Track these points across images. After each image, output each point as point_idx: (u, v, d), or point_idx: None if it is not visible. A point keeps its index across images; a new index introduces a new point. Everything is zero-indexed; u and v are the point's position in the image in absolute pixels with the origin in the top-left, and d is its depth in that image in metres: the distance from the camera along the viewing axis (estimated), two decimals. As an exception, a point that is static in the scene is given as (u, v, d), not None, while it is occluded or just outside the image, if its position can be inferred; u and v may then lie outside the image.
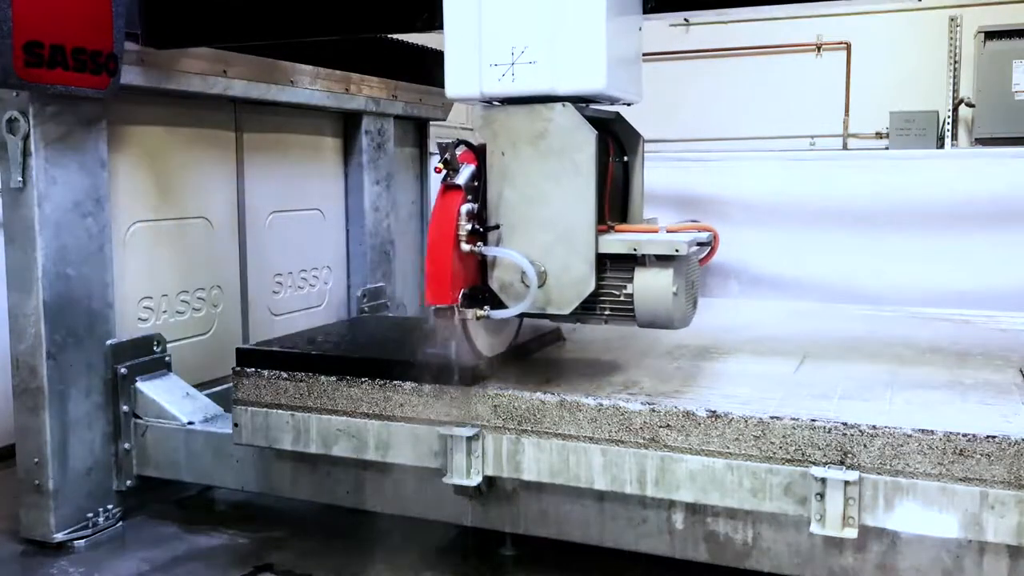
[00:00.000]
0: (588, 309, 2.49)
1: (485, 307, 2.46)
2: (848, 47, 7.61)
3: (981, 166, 4.93)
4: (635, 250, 2.42)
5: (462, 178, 2.44)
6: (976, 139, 6.92)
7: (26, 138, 2.83)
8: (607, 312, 2.49)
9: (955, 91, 7.18)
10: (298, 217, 4.21)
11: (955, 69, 7.18)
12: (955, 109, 7.16)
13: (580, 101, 2.44)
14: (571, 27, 2.34)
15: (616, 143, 2.67)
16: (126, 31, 3.01)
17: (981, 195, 4.72)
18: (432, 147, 5.18)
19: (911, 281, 4.69)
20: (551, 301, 2.46)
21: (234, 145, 3.84)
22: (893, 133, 7.20)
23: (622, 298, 2.46)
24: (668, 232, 2.47)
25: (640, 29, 2.59)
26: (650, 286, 2.42)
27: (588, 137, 2.40)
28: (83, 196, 3.01)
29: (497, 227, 2.48)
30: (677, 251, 2.39)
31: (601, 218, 2.46)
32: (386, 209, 4.63)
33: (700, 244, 2.52)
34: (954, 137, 7.17)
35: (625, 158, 2.71)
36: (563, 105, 2.40)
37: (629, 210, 2.73)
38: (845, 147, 7.65)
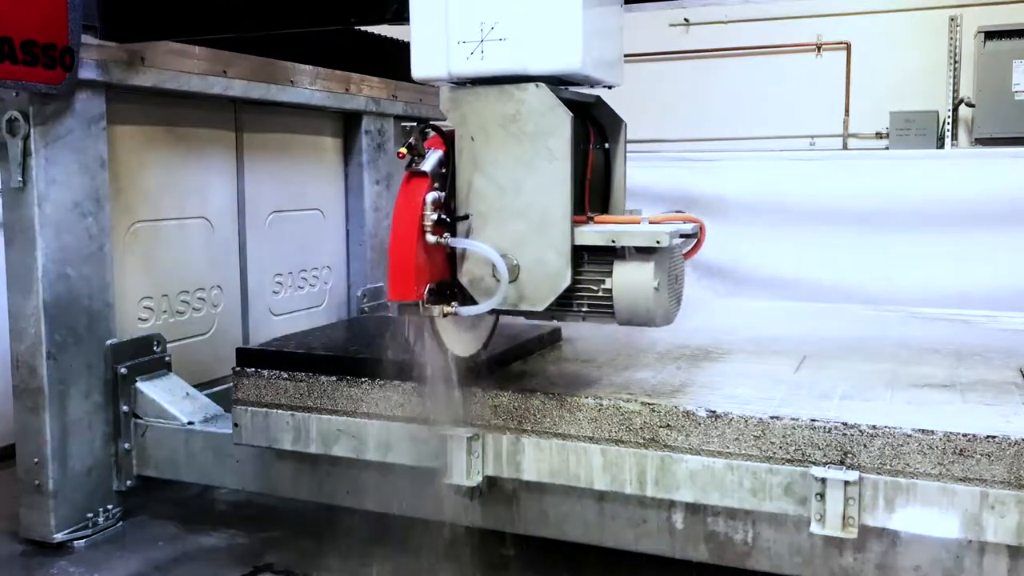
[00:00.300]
0: (564, 305, 2.32)
1: (453, 303, 2.29)
2: (848, 47, 7.60)
3: (981, 166, 4.93)
4: (614, 242, 2.25)
5: (428, 164, 2.26)
6: (976, 139, 6.91)
7: (26, 138, 2.83)
8: (584, 308, 2.32)
9: (955, 91, 7.18)
10: (298, 217, 4.21)
11: (955, 69, 7.18)
12: (955, 109, 7.16)
13: (556, 82, 2.27)
14: (544, 0, 2.17)
15: (597, 129, 2.50)
16: (84, 24, 2.89)
17: (981, 195, 4.72)
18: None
19: (911, 281, 4.69)
20: (524, 296, 2.29)
21: (234, 145, 3.84)
22: (893, 133, 7.20)
23: (600, 293, 2.29)
24: (650, 223, 2.35)
25: (622, 4, 2.44)
26: (630, 281, 2.25)
27: (563, 120, 2.22)
28: (83, 196, 3.01)
29: (466, 217, 2.31)
30: (659, 243, 2.21)
31: (580, 208, 2.31)
32: (386, 209, 4.64)
33: (685, 236, 2.36)
34: (954, 137, 7.17)
35: (606, 145, 2.53)
36: (536, 85, 2.23)
37: (611, 200, 2.55)
38: (845, 147, 7.64)
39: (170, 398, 3.19)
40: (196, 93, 3.44)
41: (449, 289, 2.35)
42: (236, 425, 2.88)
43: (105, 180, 3.10)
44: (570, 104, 2.28)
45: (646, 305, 2.25)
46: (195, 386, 3.35)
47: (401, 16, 2.50)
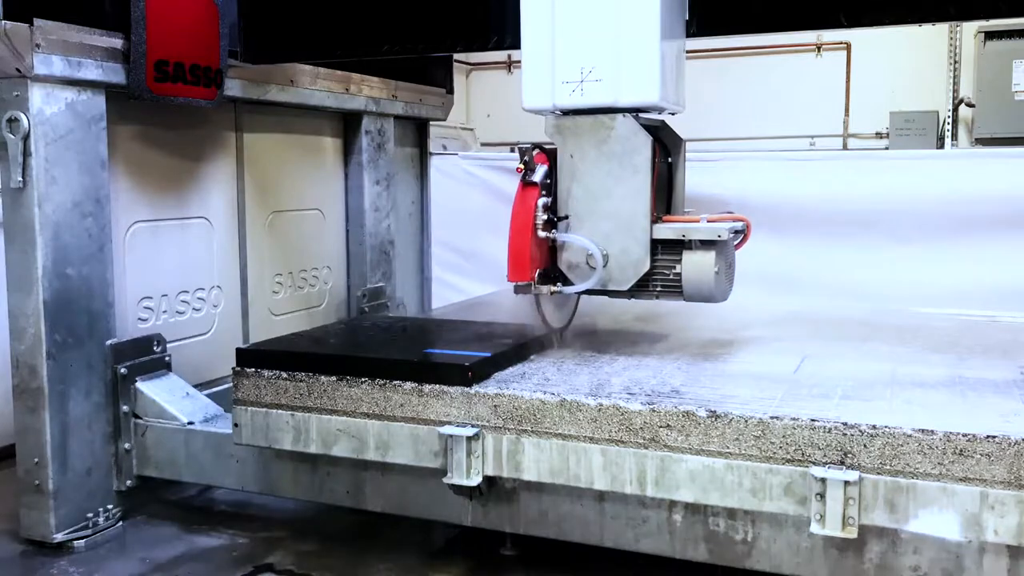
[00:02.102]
0: (642, 286, 2.88)
1: (557, 284, 2.89)
2: (848, 47, 7.61)
3: (981, 166, 4.93)
4: (684, 236, 2.82)
5: (537, 176, 2.85)
6: (976, 139, 6.92)
7: (26, 138, 2.83)
8: (659, 289, 2.88)
9: (955, 91, 7.18)
10: (298, 217, 4.21)
11: (955, 69, 7.18)
12: (955, 109, 7.16)
13: (636, 111, 2.82)
14: (631, 50, 2.74)
15: (662, 146, 3.02)
16: (230, 49, 3.43)
17: (981, 195, 4.71)
18: (432, 147, 5.18)
19: (911, 281, 4.69)
20: (612, 279, 2.86)
21: (234, 145, 3.84)
22: (893, 133, 7.21)
23: (672, 276, 2.86)
24: (709, 221, 2.85)
25: (684, 51, 3.00)
26: (696, 266, 2.82)
27: (645, 142, 2.80)
28: (83, 196, 3.01)
29: (566, 217, 2.89)
30: (719, 236, 2.79)
31: (652, 209, 2.84)
32: (386, 209, 4.64)
33: (736, 232, 2.89)
34: (954, 137, 7.18)
35: (669, 159, 3.09)
36: (623, 115, 2.80)
37: (672, 203, 3.10)
38: (845, 147, 7.65)
39: (170, 398, 3.19)
40: (196, 93, 3.44)
41: (552, 274, 2.94)
42: (236, 425, 2.88)
43: (105, 180, 3.10)
44: (645, 127, 2.83)
45: (709, 286, 2.83)
46: (195, 386, 3.36)
47: (501, 46, 3.26)
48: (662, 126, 3.06)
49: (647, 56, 2.75)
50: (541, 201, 2.85)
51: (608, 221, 2.85)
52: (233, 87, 3.58)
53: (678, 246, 2.84)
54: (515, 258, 2.84)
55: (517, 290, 2.91)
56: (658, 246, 2.85)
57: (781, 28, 3.19)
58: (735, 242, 2.95)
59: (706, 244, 2.81)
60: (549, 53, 2.83)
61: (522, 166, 2.85)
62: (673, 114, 3.02)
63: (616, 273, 2.85)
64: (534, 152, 2.88)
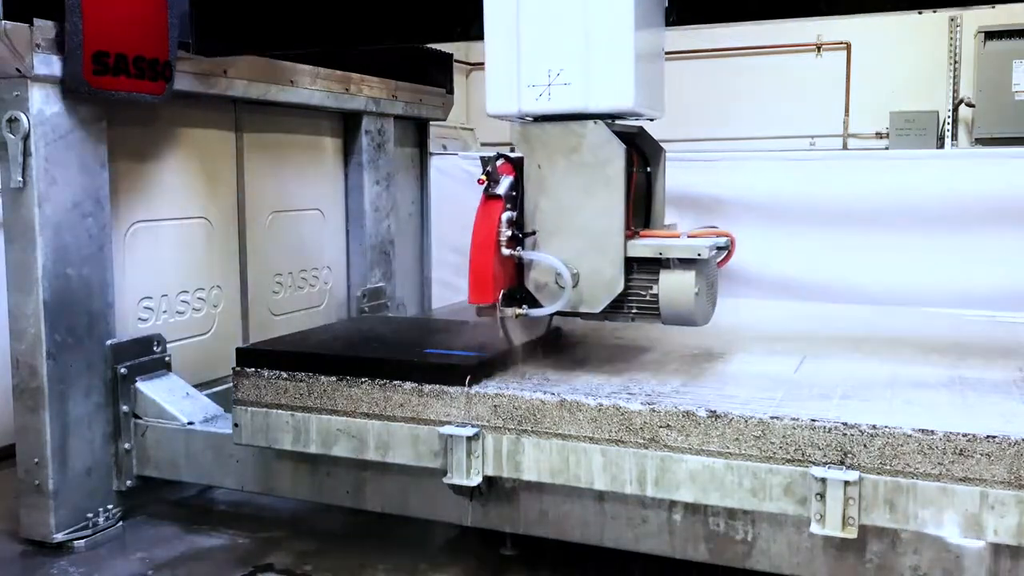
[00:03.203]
0: (616, 308, 2.67)
1: (523, 306, 2.68)
2: (848, 47, 7.61)
3: (981, 166, 4.92)
4: (661, 254, 2.61)
5: (502, 188, 2.64)
6: (976, 139, 6.92)
7: (26, 138, 2.83)
8: (634, 311, 2.68)
9: (955, 91, 7.18)
10: (298, 217, 4.21)
11: (955, 69, 7.18)
12: (955, 109, 7.16)
13: (609, 118, 2.63)
14: (603, 51, 2.53)
15: (640, 154, 2.86)
16: (180, 40, 3.20)
17: (981, 195, 4.71)
18: (432, 147, 5.18)
19: (911, 281, 4.68)
20: (583, 300, 2.65)
21: (234, 145, 3.84)
22: (893, 133, 7.21)
23: (648, 298, 2.66)
24: (690, 237, 2.67)
25: (663, 51, 2.80)
26: (674, 287, 2.61)
27: (618, 151, 2.60)
28: (83, 196, 3.01)
29: (533, 233, 2.69)
30: (699, 255, 2.58)
31: (627, 224, 2.64)
32: (386, 209, 4.64)
33: (719, 248, 2.70)
34: (954, 137, 7.18)
35: (648, 168, 2.91)
36: (595, 122, 2.60)
37: (651, 216, 2.93)
38: (845, 147, 7.65)
39: (170, 398, 3.19)
40: (196, 93, 3.44)
41: (518, 294, 2.72)
42: (236, 425, 2.88)
43: (105, 180, 3.10)
44: (619, 135, 2.63)
45: (688, 308, 2.62)
46: (195, 386, 3.35)
47: (467, 35, 2.96)
48: (639, 133, 2.89)
49: (620, 57, 2.53)
50: (505, 215, 2.63)
51: (579, 237, 2.64)
52: (234, 87, 3.58)
53: (655, 264, 2.63)
54: (476, 278, 2.63)
55: (479, 312, 2.70)
56: (633, 264, 2.64)
57: (762, 16, 3.07)
58: (718, 259, 2.74)
59: (685, 263, 2.60)
60: (513, 53, 2.61)
61: (484, 177, 2.63)
62: (652, 120, 2.82)
63: (587, 294, 2.64)
64: (498, 162, 2.66)
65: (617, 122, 2.69)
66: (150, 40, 3.08)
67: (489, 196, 2.65)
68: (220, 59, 3.48)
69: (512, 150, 2.73)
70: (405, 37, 3.27)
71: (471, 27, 2.83)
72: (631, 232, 2.66)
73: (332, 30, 3.25)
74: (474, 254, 2.63)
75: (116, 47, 2.95)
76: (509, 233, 2.63)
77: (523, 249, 2.68)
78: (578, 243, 2.64)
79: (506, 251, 2.62)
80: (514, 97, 2.63)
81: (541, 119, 2.67)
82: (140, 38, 3.04)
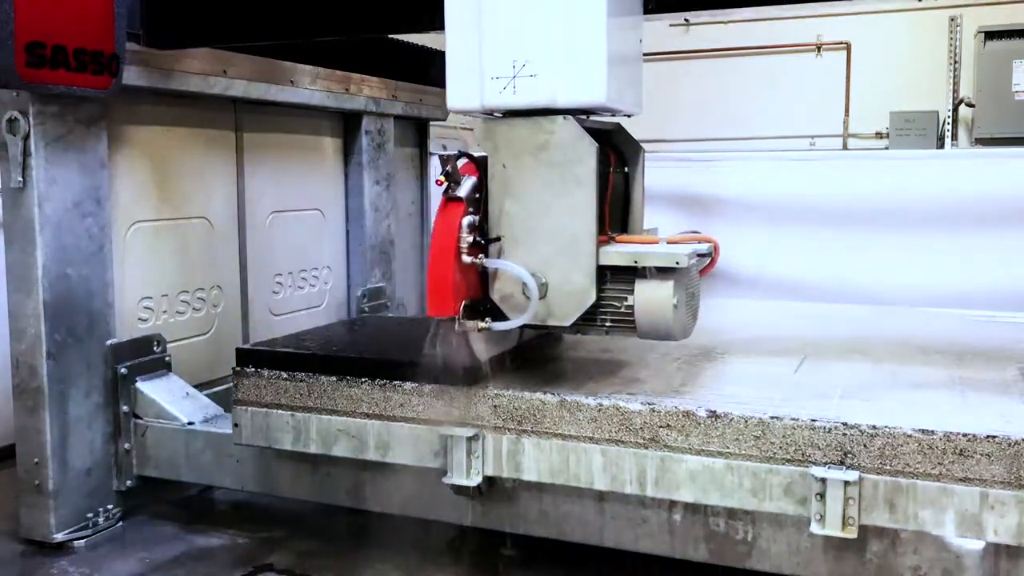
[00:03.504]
0: (589, 320, 2.49)
1: (487, 319, 2.46)
2: (848, 47, 7.61)
3: (981, 166, 4.93)
4: (636, 262, 2.42)
5: (463, 190, 2.43)
6: (976, 139, 6.92)
7: (26, 138, 2.83)
8: (608, 324, 2.49)
9: (955, 91, 7.18)
10: (298, 217, 4.21)
11: (955, 69, 7.18)
12: (955, 109, 7.16)
13: (581, 113, 2.45)
14: (572, 41, 2.34)
15: (616, 154, 2.67)
16: (128, 32, 3.01)
17: (981, 195, 4.71)
18: (432, 147, 5.18)
19: (911, 281, 4.68)
20: (552, 313, 2.46)
21: (234, 145, 3.84)
22: (893, 133, 7.21)
23: (623, 310, 2.46)
24: (668, 243, 2.49)
25: (641, 41, 2.60)
26: (651, 298, 2.42)
27: (589, 150, 2.40)
28: (83, 196, 3.01)
29: (498, 239, 2.48)
30: (678, 264, 2.39)
31: (601, 228, 2.46)
32: (386, 209, 4.64)
33: (700, 255, 2.53)
34: (954, 137, 7.17)
35: (625, 169, 2.71)
36: (564, 118, 2.41)
37: (629, 220, 2.74)
38: (845, 147, 7.65)
39: (170, 398, 3.18)
40: (196, 93, 3.44)
41: (481, 306, 2.51)
42: (236, 425, 2.88)
43: (105, 180, 3.10)
44: (593, 132, 2.44)
45: (666, 321, 2.42)
46: (195, 386, 3.35)
47: (433, 26, 2.64)
48: (616, 130, 2.69)
49: (591, 46, 2.32)
50: (467, 220, 2.40)
51: (547, 244, 2.43)
52: (234, 87, 3.58)
53: (631, 274, 2.43)
54: (435, 288, 2.39)
55: (439, 325, 2.47)
56: (607, 273, 2.44)
57: (747, 3, 2.96)
58: (699, 267, 2.55)
59: (663, 272, 2.40)
60: (475, 42, 2.41)
61: (443, 178, 2.41)
62: (629, 116, 2.62)
63: (557, 306, 2.44)
64: (460, 161, 2.43)
65: (591, 118, 2.53)
66: (94, 31, 2.86)
67: (449, 199, 2.43)
68: (220, 59, 3.47)
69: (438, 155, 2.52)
70: (368, 28, 3.10)
71: (436, 16, 2.55)
72: (605, 238, 2.48)
73: (291, 21, 3.08)
74: (433, 262, 2.40)
75: (53, 38, 2.73)
76: (471, 239, 2.40)
77: (486, 257, 2.46)
78: (546, 250, 2.44)
79: (467, 259, 2.39)
80: (476, 90, 2.42)
81: (506, 114, 2.48)
82: (82, 29, 2.83)
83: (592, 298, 2.42)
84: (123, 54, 2.99)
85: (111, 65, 2.95)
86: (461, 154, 2.46)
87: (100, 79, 2.92)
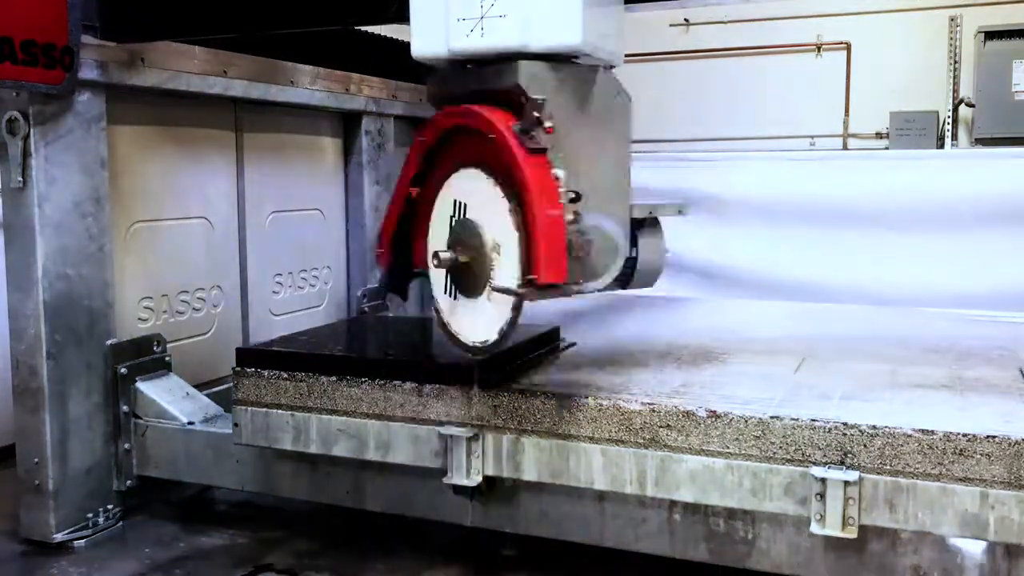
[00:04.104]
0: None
1: (579, 280, 2.19)
2: (848, 47, 7.61)
3: (981, 166, 4.94)
4: (651, 213, 2.45)
5: (545, 140, 2.13)
6: (976, 139, 6.92)
7: (26, 138, 2.83)
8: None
9: (955, 91, 7.18)
10: (298, 217, 4.21)
11: (955, 69, 7.18)
12: (955, 109, 7.16)
13: (555, 59, 2.23)
14: None
15: None
16: (84, 24, 2.91)
17: (981, 195, 4.72)
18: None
19: (911, 281, 4.69)
20: (596, 272, 2.27)
21: (234, 145, 3.84)
22: (893, 133, 7.21)
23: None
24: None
25: None
26: (652, 248, 2.49)
27: (627, 101, 2.35)
28: (83, 196, 3.01)
29: (579, 197, 2.18)
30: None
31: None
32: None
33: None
34: (954, 137, 7.18)
35: None
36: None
37: None
38: (845, 147, 7.65)
39: (170, 398, 3.18)
40: (196, 93, 3.44)
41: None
42: (236, 425, 2.88)
43: (105, 180, 3.10)
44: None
45: (661, 269, 2.53)
46: (195, 386, 3.35)
47: (402, 16, 2.45)
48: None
49: None
50: (559, 175, 2.13)
51: (598, 199, 2.26)
52: (234, 87, 3.58)
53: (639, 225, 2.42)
54: (553, 254, 2.08)
55: (543, 293, 2.12)
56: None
57: None
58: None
59: (656, 223, 2.50)
60: None
61: (525, 122, 2.11)
62: (612, 67, 2.40)
63: (599, 263, 2.27)
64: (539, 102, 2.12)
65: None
66: (43, 23, 2.74)
67: (534, 151, 2.11)
68: (220, 59, 3.47)
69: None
70: (336, 19, 2.91)
71: (406, 7, 2.37)
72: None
73: (256, 13, 2.96)
74: (547, 227, 2.06)
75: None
76: (571, 195, 2.12)
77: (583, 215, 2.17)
78: (596, 204, 2.23)
79: (570, 217, 2.11)
80: (442, 34, 2.23)
81: (473, 61, 2.26)
82: (30, 20, 2.70)
83: (627, 252, 2.33)
84: (77, 47, 2.87)
85: (63, 59, 2.82)
86: (542, 101, 2.15)
87: (52, 73, 2.79)
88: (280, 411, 2.80)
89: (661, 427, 2.35)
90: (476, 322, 2.33)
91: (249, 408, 2.85)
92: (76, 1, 2.83)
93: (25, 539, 3.00)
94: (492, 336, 2.29)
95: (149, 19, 3.04)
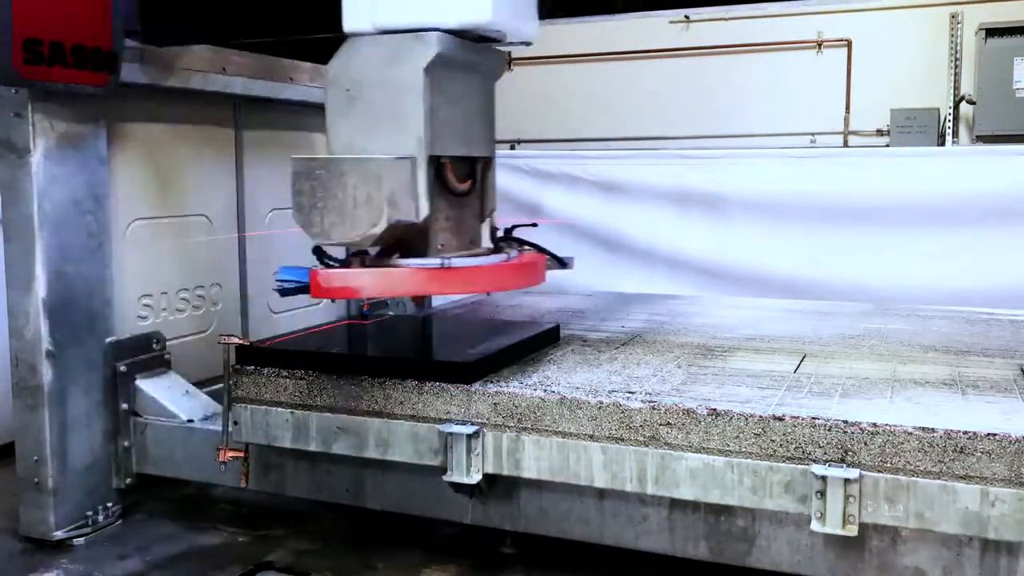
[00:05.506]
0: None
1: None
2: (849, 44, 7.59)
3: (982, 163, 4.93)
4: None
5: None
6: (977, 136, 6.90)
7: (26, 136, 2.83)
8: None
9: (956, 88, 7.17)
10: (298, 215, 4.19)
11: (956, 66, 7.17)
12: (956, 106, 7.15)
13: (465, 35, 2.25)
14: None
15: None
16: (126, 29, 3.02)
17: (982, 193, 4.71)
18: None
19: (911, 279, 4.69)
20: None
21: (234, 143, 3.84)
22: (894, 130, 7.19)
23: None
24: None
25: None
26: None
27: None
28: (83, 194, 3.01)
29: None
30: None
31: None
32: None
33: None
34: (955, 134, 7.16)
35: None
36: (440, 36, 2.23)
37: None
38: (846, 144, 7.63)
39: (170, 396, 3.18)
40: (196, 90, 3.43)
41: None
42: (235, 423, 2.88)
43: (104, 178, 3.09)
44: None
45: None
46: (194, 384, 3.35)
47: None
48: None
49: None
50: None
51: None
52: (233, 84, 3.57)
53: None
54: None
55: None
56: None
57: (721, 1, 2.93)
58: None
59: None
60: None
61: None
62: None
63: None
64: None
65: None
66: (91, 28, 2.90)
67: None
68: (219, 56, 3.47)
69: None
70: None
71: None
72: None
73: (295, 17, 3.07)
74: None
75: (51, 35, 2.76)
76: None
77: None
78: None
79: None
80: (370, 9, 2.25)
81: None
82: (79, 26, 2.86)
83: None
84: (121, 51, 3.00)
85: (109, 62, 2.96)
86: None
87: (99, 76, 2.93)
88: (280, 409, 2.80)
89: (661, 425, 2.35)
90: None
91: (249, 406, 2.85)
92: (120, 8, 2.98)
93: (24, 537, 3.00)
94: None
95: (189, 24, 3.19)
